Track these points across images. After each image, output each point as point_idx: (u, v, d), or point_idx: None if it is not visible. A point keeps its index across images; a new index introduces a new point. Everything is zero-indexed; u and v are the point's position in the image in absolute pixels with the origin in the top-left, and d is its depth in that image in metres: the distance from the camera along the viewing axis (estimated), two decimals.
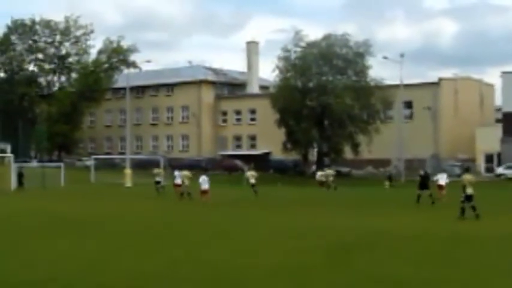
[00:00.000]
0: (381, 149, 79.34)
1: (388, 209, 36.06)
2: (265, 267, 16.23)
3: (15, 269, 16.04)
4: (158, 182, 50.40)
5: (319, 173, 63.90)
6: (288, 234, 23.20)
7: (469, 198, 28.57)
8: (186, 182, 44.78)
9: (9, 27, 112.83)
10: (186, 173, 45.52)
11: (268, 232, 24.00)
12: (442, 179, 42.20)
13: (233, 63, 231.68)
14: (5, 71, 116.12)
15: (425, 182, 39.01)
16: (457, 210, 28.71)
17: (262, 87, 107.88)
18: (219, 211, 34.95)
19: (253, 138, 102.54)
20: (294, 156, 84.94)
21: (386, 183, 64.50)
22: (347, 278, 14.90)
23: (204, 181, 41.28)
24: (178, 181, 45.20)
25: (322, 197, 49.18)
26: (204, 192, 41.03)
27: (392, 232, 23.97)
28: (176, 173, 46.38)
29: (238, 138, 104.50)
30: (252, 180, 48.19)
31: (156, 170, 52.73)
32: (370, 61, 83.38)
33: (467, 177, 29.60)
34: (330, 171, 61.42)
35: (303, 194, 52.35)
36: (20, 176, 59.41)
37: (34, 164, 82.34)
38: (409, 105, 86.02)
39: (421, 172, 40.32)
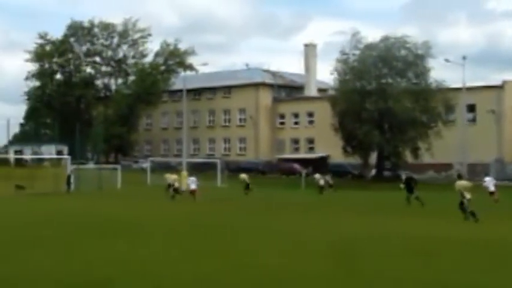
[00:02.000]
0: (442, 153, 78.48)
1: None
2: (325, 272, 16.07)
3: (72, 270, 16.21)
4: (170, 186, 51.54)
5: (317, 176, 64.70)
6: (343, 239, 23.11)
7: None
8: (177, 184, 49.88)
9: (68, 29, 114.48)
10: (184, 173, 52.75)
11: (327, 237, 23.83)
12: (490, 184, 43.25)
13: (291, 65, 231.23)
14: (63, 73, 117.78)
15: (411, 186, 41.46)
16: (462, 216, 29.53)
17: (321, 90, 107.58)
18: (276, 214, 34.96)
19: (311, 141, 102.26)
20: (353, 159, 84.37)
21: (402, 185, 65.95)
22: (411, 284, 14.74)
23: (192, 182, 47.70)
24: (193, 186, 47.86)
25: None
26: (193, 192, 46.85)
27: (450, 238, 23.88)
28: (191, 178, 49.40)
29: (296, 141, 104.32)
30: (247, 181, 56.09)
31: (167, 175, 54.41)
32: (431, 63, 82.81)
33: (461, 183, 30.21)
34: (326, 177, 64.92)
35: (361, 198, 52.07)
36: (68, 178, 59.89)
37: (90, 166, 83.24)
38: (471, 108, 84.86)
39: (404, 176, 43.67)
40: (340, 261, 17.89)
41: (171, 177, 51.44)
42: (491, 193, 42.67)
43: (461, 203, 29.49)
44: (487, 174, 49.69)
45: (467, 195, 29.26)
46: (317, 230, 26.47)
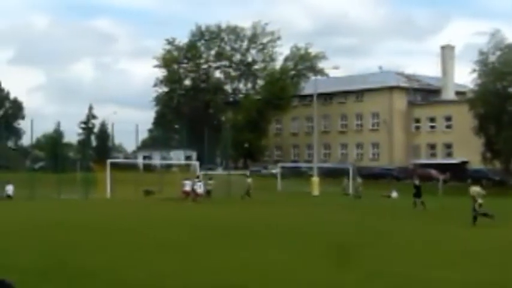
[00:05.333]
0: None
1: None
2: (458, 281, 15.83)
3: (198, 276, 16.36)
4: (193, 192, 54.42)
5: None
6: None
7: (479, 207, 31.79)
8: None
9: (194, 34, 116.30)
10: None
11: (460, 245, 23.46)
12: None
13: (427, 68, 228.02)
14: (192, 79, 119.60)
15: (418, 191, 45.41)
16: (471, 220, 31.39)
17: (459, 93, 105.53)
18: (411, 223, 34.51)
19: (448, 146, 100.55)
20: (495, 166, 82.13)
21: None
22: None
23: (199, 186, 53.86)
24: (187, 188, 53.86)
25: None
26: (199, 195, 53.20)
27: None
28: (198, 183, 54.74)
29: (432, 147, 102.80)
30: (251, 187, 59.79)
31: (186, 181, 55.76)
32: None
33: (475, 189, 32.98)
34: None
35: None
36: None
37: (219, 171, 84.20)
38: None
39: (416, 182, 46.35)
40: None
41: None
42: None
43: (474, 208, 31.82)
44: None
45: (479, 200, 31.88)
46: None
